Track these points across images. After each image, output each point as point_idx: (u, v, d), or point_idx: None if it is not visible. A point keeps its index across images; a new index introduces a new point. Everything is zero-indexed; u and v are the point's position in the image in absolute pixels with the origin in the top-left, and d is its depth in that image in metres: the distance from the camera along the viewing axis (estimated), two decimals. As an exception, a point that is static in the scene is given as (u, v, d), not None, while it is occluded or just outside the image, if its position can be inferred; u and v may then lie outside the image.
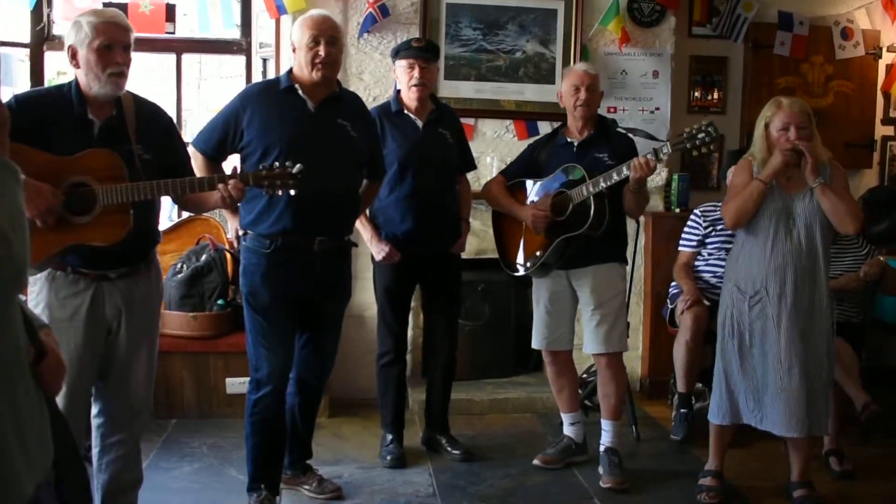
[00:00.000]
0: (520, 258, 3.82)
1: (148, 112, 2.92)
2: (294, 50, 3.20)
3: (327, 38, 3.14)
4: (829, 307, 3.39)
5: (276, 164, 2.87)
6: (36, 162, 2.58)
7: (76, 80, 2.76)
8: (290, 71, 3.25)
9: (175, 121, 4.92)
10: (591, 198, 3.49)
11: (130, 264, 2.84)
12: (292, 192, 2.89)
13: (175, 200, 3.06)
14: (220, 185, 2.80)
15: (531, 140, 4.74)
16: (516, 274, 3.87)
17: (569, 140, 3.74)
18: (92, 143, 2.71)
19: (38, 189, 2.55)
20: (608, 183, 3.46)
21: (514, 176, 3.87)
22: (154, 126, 2.90)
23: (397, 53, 3.81)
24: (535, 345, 3.90)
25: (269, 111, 3.15)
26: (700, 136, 3.34)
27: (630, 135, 3.92)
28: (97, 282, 2.78)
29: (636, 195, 3.54)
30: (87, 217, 2.66)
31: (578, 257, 3.65)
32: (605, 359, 3.73)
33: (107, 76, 2.70)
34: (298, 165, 2.85)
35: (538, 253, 3.69)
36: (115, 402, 2.91)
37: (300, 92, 3.18)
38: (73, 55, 2.72)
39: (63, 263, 2.74)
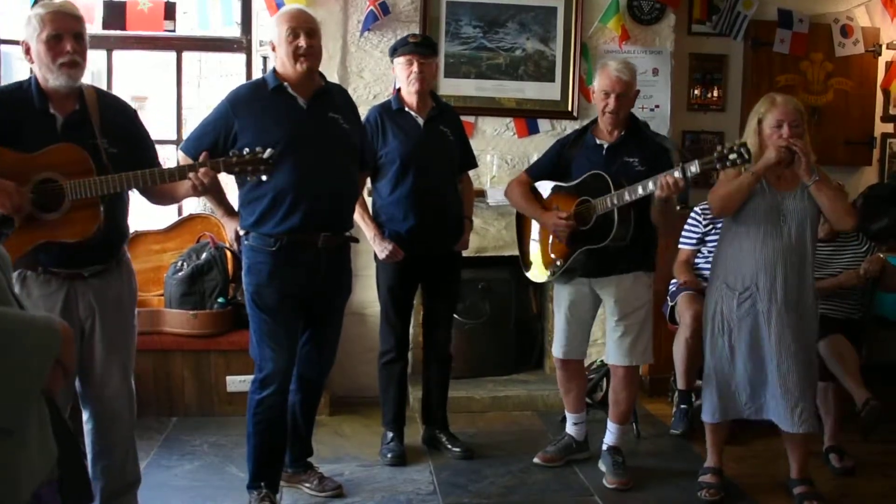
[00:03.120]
0: (541, 264, 3.77)
1: (112, 105, 2.87)
2: (273, 48, 3.16)
3: (306, 29, 3.12)
4: (814, 305, 3.42)
5: (247, 150, 2.84)
6: (0, 160, 2.55)
7: (34, 76, 2.70)
8: (275, 70, 3.20)
9: (176, 119, 4.98)
10: (616, 210, 3.40)
11: (102, 262, 2.81)
12: (264, 178, 2.88)
13: (143, 193, 2.96)
14: (191, 174, 2.76)
15: (531, 138, 4.76)
16: (537, 280, 3.84)
17: (598, 142, 3.62)
18: (56, 138, 2.66)
19: (2, 187, 2.51)
20: (633, 197, 3.34)
21: (539, 175, 3.77)
22: (119, 119, 2.85)
23: (395, 51, 3.80)
24: (555, 353, 3.82)
25: (261, 113, 3.13)
26: (732, 156, 3.13)
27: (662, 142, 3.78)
28: (69, 281, 2.74)
29: (662, 209, 3.43)
30: (56, 213, 2.62)
31: (602, 266, 3.56)
32: (624, 370, 3.68)
33: (58, 66, 2.64)
34: (269, 150, 2.83)
35: (559, 262, 3.63)
36: (98, 407, 2.88)
37: (289, 90, 3.16)
38: (27, 50, 2.67)
39: (34, 263, 2.68)
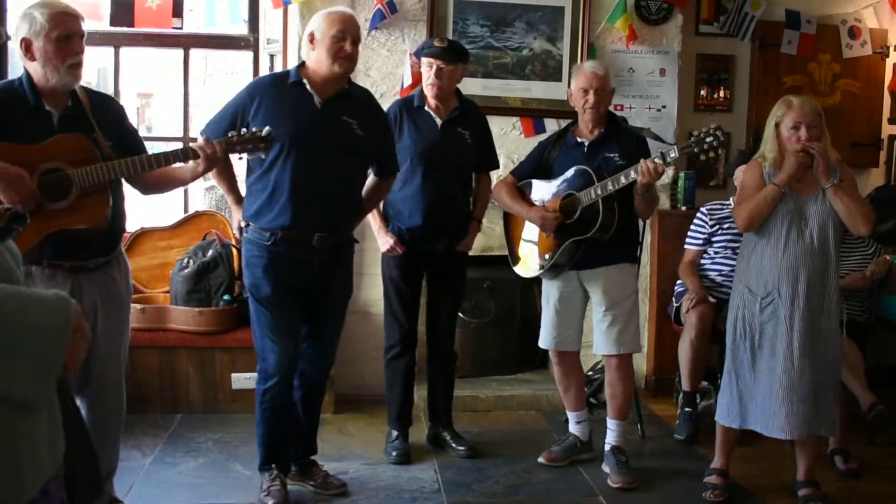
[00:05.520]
0: (530, 259, 3.81)
1: (102, 103, 2.93)
2: (311, 40, 3.18)
3: (354, 36, 3.18)
4: (838, 307, 3.39)
5: (245, 129, 2.93)
6: (3, 153, 2.58)
7: (27, 74, 2.73)
8: (301, 66, 3.26)
9: (182, 116, 4.98)
10: (600, 200, 3.49)
11: (106, 254, 2.86)
12: (263, 156, 2.98)
13: (139, 183, 3.00)
14: (196, 146, 2.86)
15: (538, 137, 4.75)
16: (526, 275, 3.87)
17: (579, 140, 3.72)
18: (53, 133, 2.71)
19: (14, 175, 2.54)
20: (616, 186, 3.46)
21: (524, 176, 3.85)
22: (109, 115, 2.91)
23: (422, 50, 3.83)
24: (543, 344, 3.89)
25: (275, 105, 3.17)
26: (708, 139, 3.33)
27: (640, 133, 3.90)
28: (74, 275, 2.78)
29: (645, 196, 3.54)
30: (65, 202, 2.66)
31: (589, 258, 3.63)
32: (616, 359, 3.72)
33: (66, 67, 2.69)
34: (267, 128, 2.92)
35: (548, 255, 3.69)
36: (96, 397, 2.93)
37: (308, 87, 3.19)
38: (28, 48, 2.69)
39: (39, 257, 2.72)
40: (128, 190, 3.03)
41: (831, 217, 3.31)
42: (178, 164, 2.94)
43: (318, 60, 3.17)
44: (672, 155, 3.38)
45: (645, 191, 3.49)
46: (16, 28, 2.73)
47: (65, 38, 2.68)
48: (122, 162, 2.74)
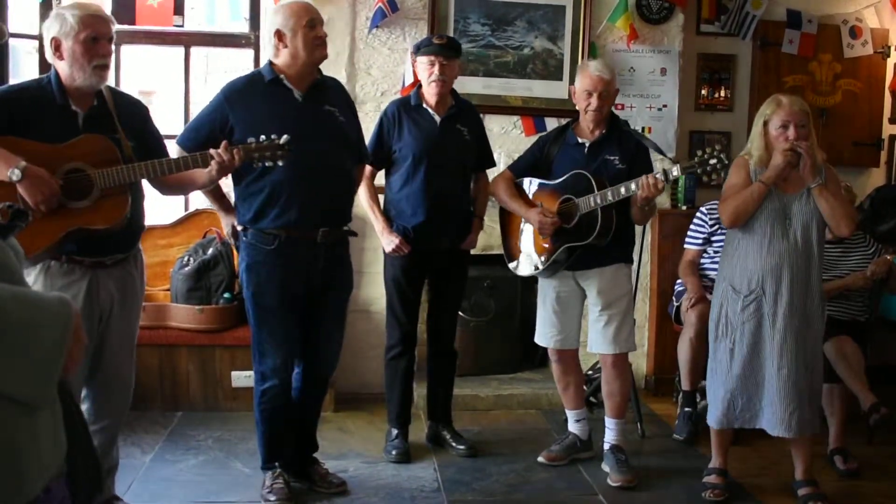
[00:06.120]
0: (526, 258, 3.82)
1: (126, 103, 2.99)
2: (280, 38, 3.17)
3: (321, 21, 3.21)
4: (820, 308, 3.41)
5: (263, 137, 2.93)
6: (29, 152, 2.63)
7: (55, 73, 2.79)
8: (271, 63, 3.24)
9: (183, 115, 4.98)
10: (599, 209, 3.49)
11: (124, 251, 2.91)
12: (280, 164, 2.96)
13: (158, 184, 3.06)
14: (214, 151, 2.88)
15: (538, 136, 4.75)
16: (521, 274, 3.88)
17: (580, 140, 3.72)
18: (78, 132, 2.76)
19: (39, 175, 2.60)
20: (616, 198, 3.46)
21: (522, 171, 3.86)
22: (134, 116, 2.96)
23: (419, 49, 3.82)
24: (540, 342, 3.89)
25: (256, 106, 3.16)
26: (712, 162, 3.34)
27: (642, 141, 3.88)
28: (92, 270, 2.83)
29: (643, 209, 3.56)
30: (86, 201, 2.71)
31: (585, 259, 3.64)
32: (612, 358, 3.73)
33: (92, 68, 2.75)
34: (285, 136, 2.92)
35: (543, 257, 3.70)
36: (104, 391, 2.97)
37: (286, 83, 3.19)
38: (57, 47, 2.75)
39: (58, 252, 2.76)
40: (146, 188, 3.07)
41: (815, 217, 3.33)
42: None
43: (294, 54, 3.17)
44: (674, 173, 3.39)
45: (644, 204, 3.50)
46: (46, 27, 2.79)
47: (92, 39, 2.74)
48: (143, 165, 2.78)
